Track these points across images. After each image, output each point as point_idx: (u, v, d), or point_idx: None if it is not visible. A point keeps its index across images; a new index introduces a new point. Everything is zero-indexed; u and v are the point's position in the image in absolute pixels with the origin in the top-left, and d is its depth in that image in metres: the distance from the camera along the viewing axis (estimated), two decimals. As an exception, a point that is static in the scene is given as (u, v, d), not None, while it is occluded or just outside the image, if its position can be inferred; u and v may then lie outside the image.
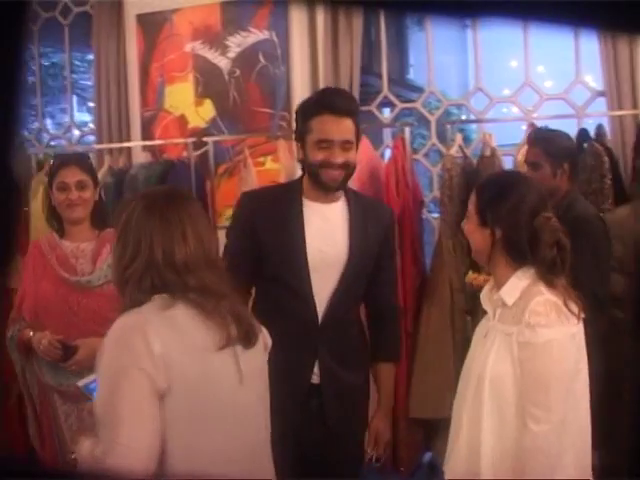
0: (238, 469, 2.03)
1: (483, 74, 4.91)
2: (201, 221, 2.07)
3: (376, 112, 5.27)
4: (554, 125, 3.75)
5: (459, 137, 4.54)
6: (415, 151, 4.96)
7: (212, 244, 2.09)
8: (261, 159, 4.84)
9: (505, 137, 5.04)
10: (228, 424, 2.03)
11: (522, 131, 4.53)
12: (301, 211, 2.82)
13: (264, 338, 2.21)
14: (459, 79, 9.83)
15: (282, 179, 4.41)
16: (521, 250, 2.21)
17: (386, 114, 5.75)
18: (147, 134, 5.33)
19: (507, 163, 4.53)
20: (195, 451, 1.97)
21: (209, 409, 1.99)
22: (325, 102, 2.77)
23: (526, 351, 2.14)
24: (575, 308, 2.18)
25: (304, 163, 2.82)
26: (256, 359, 2.12)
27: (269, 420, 2.21)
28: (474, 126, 6.47)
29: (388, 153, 5.21)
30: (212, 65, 5.13)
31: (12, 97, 0.47)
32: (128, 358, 1.87)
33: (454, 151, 4.42)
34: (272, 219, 2.82)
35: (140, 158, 5.14)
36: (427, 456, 4.55)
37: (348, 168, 2.78)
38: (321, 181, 2.77)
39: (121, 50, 5.42)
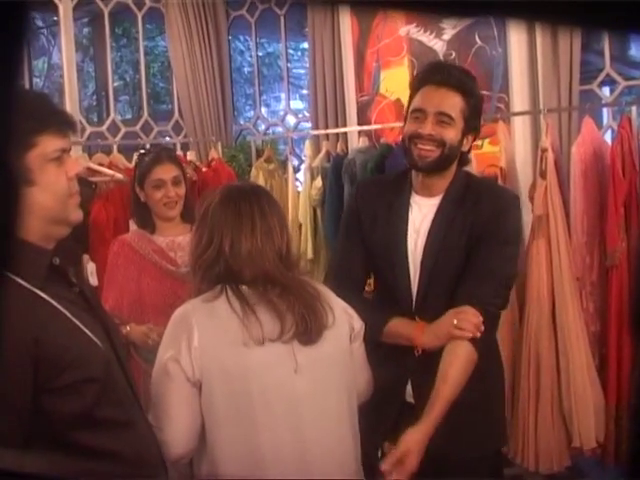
0: (296, 465, 2.04)
1: None
2: (274, 217, 2.15)
3: (597, 91, 5.06)
4: None
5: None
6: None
7: (284, 239, 2.15)
8: (478, 142, 4.76)
9: None
10: (279, 417, 2.04)
11: None
12: (407, 206, 2.58)
13: (350, 320, 2.22)
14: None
15: (501, 162, 4.33)
16: None
17: (605, 93, 5.50)
18: (363, 119, 5.36)
19: None
20: (242, 444, 2.02)
21: (251, 401, 2.02)
22: (426, 73, 2.55)
23: None
24: None
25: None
26: (323, 347, 2.12)
27: (351, 413, 2.18)
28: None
29: (609, 134, 5.00)
30: (427, 48, 5.09)
31: (11, 93, 0.47)
32: (171, 349, 2.03)
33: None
34: (377, 212, 2.62)
35: (356, 143, 5.19)
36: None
37: (443, 146, 2.46)
38: (411, 158, 2.50)
39: (336, 37, 5.49)
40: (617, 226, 4.08)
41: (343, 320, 2.19)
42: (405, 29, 5.17)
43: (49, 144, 1.67)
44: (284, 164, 5.51)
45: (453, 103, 2.47)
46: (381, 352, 2.51)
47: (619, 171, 4.10)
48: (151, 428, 1.92)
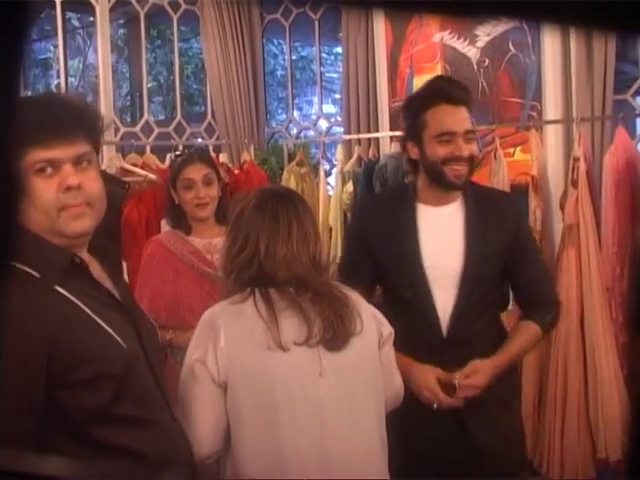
0: (318, 467, 2.04)
1: None
2: (309, 222, 2.16)
3: (631, 100, 5.03)
4: None
5: None
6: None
7: (317, 245, 2.16)
8: (510, 150, 4.76)
9: None
10: (303, 420, 2.04)
11: None
12: (414, 218, 2.61)
13: (379, 327, 2.21)
14: None
15: (533, 170, 4.32)
16: None
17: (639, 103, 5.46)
18: (396, 124, 5.36)
19: None
20: (264, 445, 2.03)
21: (275, 403, 2.03)
22: (440, 91, 2.57)
23: None
24: None
25: (423, 162, 2.58)
26: (350, 354, 2.11)
27: (378, 419, 2.18)
28: None
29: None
30: (461, 55, 5.08)
31: (11, 93, 0.48)
32: (198, 351, 2.04)
33: None
34: (384, 228, 2.64)
35: (388, 148, 5.19)
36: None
37: (472, 162, 2.56)
38: (445, 179, 2.54)
39: (370, 42, 5.50)
40: (649, 237, 4.05)
41: (372, 326, 2.18)
42: (439, 35, 5.17)
43: (32, 156, 1.61)
44: (316, 168, 5.53)
45: (469, 118, 2.56)
46: (411, 352, 2.55)
47: (652, 182, 4.08)
48: (181, 429, 1.91)
